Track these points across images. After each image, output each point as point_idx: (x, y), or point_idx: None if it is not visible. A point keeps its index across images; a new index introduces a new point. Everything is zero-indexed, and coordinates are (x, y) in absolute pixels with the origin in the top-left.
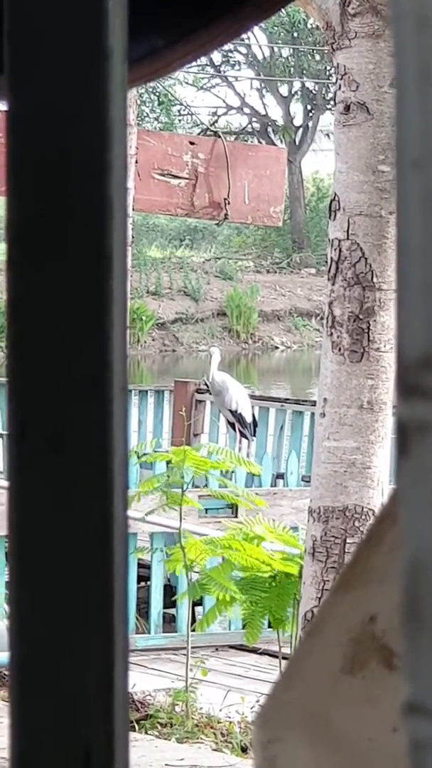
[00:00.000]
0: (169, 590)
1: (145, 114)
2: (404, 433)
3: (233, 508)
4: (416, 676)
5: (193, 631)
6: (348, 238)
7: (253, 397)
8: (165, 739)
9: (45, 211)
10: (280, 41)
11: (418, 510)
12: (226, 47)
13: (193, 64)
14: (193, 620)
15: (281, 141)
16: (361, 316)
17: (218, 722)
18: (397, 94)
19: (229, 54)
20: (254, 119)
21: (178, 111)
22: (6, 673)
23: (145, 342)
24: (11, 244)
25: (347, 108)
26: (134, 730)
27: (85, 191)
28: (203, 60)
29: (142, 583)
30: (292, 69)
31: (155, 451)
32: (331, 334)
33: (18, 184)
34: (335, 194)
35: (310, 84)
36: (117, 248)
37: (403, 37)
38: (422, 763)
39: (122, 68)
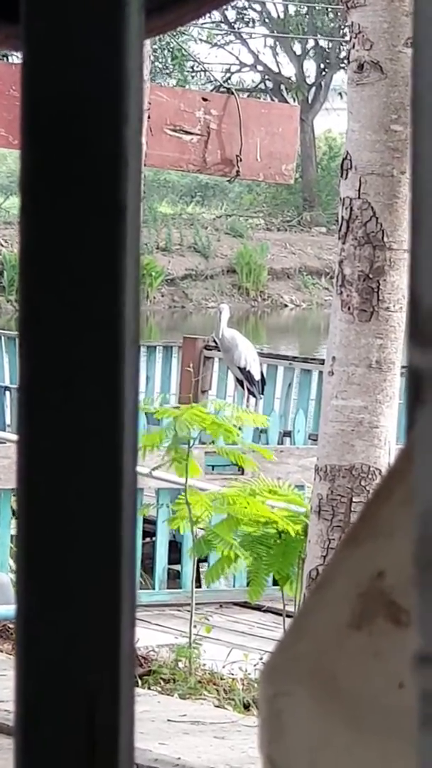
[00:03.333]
0: (175, 546)
1: (158, 69)
2: (420, 382)
3: (240, 466)
4: (428, 628)
5: (198, 587)
6: (359, 197)
7: (261, 354)
8: (168, 694)
9: (59, 161)
10: None
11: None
12: (240, 4)
13: (207, 20)
14: (198, 576)
15: (294, 99)
16: (371, 276)
17: (221, 679)
18: (415, 47)
19: (244, 11)
20: (267, 77)
21: (192, 67)
22: (11, 626)
23: (155, 298)
24: (25, 195)
25: (361, 67)
26: (137, 686)
27: (100, 142)
28: (217, 17)
29: (147, 539)
30: (306, 27)
31: (162, 407)
32: (341, 293)
33: (32, 135)
34: (347, 153)
35: (323, 42)
36: (131, 199)
37: None
38: None
39: (139, 17)
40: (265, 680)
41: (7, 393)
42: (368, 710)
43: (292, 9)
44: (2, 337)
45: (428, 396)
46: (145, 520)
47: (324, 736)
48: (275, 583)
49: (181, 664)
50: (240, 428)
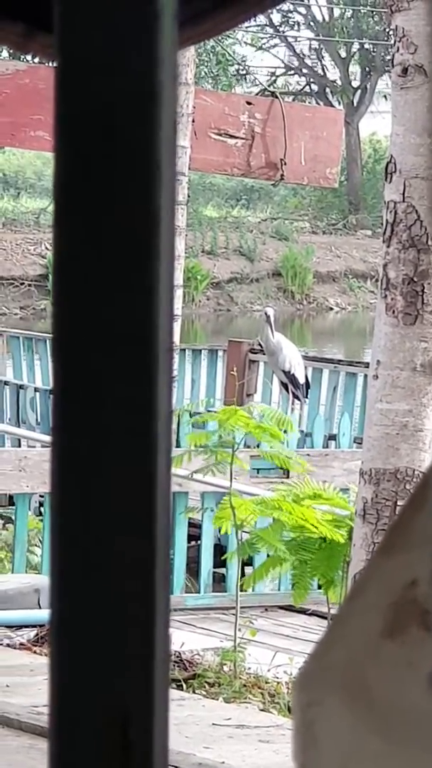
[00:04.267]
0: (220, 550)
1: (203, 73)
2: None
3: (285, 469)
4: None
5: (242, 590)
6: (404, 201)
7: (306, 358)
8: (212, 698)
9: (92, 171)
10: (339, 2)
11: None
12: (285, 7)
13: (252, 23)
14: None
15: (339, 102)
16: (415, 279)
17: (266, 682)
18: None
19: (289, 15)
20: (312, 80)
21: (237, 71)
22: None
23: (200, 301)
24: (58, 201)
25: (405, 70)
26: (182, 689)
27: (133, 150)
28: (262, 20)
29: (193, 543)
30: (350, 30)
31: (207, 411)
32: (386, 296)
33: (66, 144)
34: (392, 156)
35: (368, 45)
36: (165, 206)
37: None
38: None
39: (172, 27)
40: (298, 689)
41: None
42: (400, 721)
43: (336, 12)
44: (46, 341)
45: None
46: (191, 524)
47: (356, 746)
48: (320, 586)
49: (225, 668)
50: (285, 431)
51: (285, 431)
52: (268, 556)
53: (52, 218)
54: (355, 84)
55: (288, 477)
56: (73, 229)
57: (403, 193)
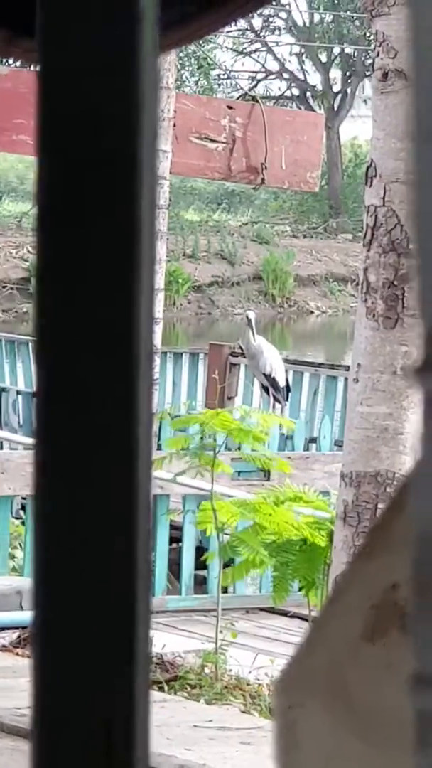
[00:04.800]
0: (201, 552)
1: (184, 78)
2: (425, 405)
3: (266, 472)
4: (425, 647)
5: (224, 592)
6: (384, 205)
7: (287, 361)
8: (194, 700)
9: (74, 174)
10: (320, 7)
11: (430, 481)
12: (266, 12)
13: (233, 28)
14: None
15: (320, 107)
16: (395, 283)
17: (247, 684)
18: (412, 63)
19: (270, 19)
20: (293, 85)
21: (218, 75)
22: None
23: (181, 305)
24: (40, 205)
25: (385, 75)
26: (163, 691)
27: (114, 154)
28: (243, 25)
29: (174, 545)
30: (331, 35)
31: (189, 413)
32: (366, 300)
33: (48, 148)
34: (372, 161)
35: (349, 50)
36: (146, 212)
37: (420, 4)
38: (428, 734)
39: (154, 31)
40: (279, 691)
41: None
42: (381, 723)
43: (317, 17)
44: (28, 344)
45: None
46: (172, 526)
47: (337, 748)
48: (301, 588)
49: (207, 670)
50: (266, 433)
51: (266, 433)
52: (246, 559)
53: (35, 222)
54: (336, 88)
55: (269, 479)
56: (55, 232)
57: (384, 198)
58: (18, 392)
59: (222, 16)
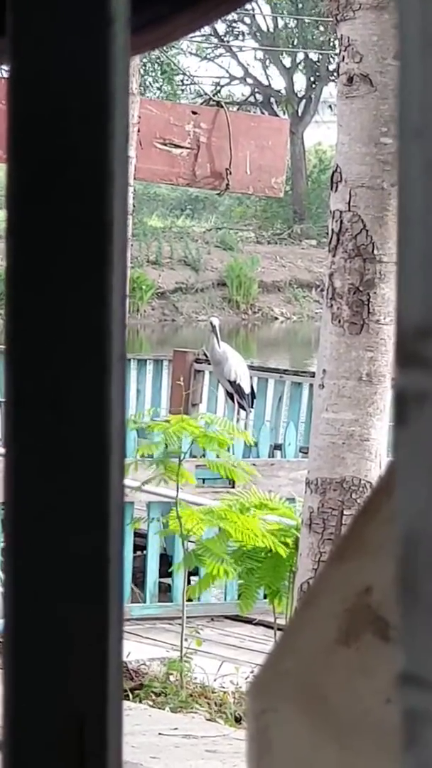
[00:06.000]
0: (166, 559)
1: (148, 83)
2: (402, 403)
3: (230, 479)
4: (411, 647)
5: (189, 600)
6: (349, 210)
7: (252, 367)
8: (159, 708)
9: (45, 177)
10: (284, 12)
11: (415, 480)
12: (230, 17)
13: (197, 33)
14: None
15: (284, 112)
16: (361, 288)
17: (212, 692)
18: (399, 65)
19: (233, 24)
20: (257, 90)
21: (182, 81)
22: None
23: (145, 311)
24: (11, 210)
25: (350, 79)
26: (128, 699)
27: (86, 158)
28: (207, 30)
29: (138, 552)
30: (295, 40)
31: (153, 420)
32: (331, 305)
33: (19, 150)
34: (337, 166)
35: (313, 55)
36: (117, 216)
37: (407, 7)
38: (415, 732)
39: (125, 35)
40: (252, 696)
41: None
42: (355, 726)
43: (281, 22)
44: None
45: (410, 417)
46: (136, 534)
47: (311, 752)
48: (266, 596)
49: (172, 678)
50: (231, 437)
51: (232, 438)
52: (210, 572)
53: (5, 229)
54: (300, 94)
55: (233, 487)
56: (25, 239)
57: (349, 203)
58: None
59: (195, 17)
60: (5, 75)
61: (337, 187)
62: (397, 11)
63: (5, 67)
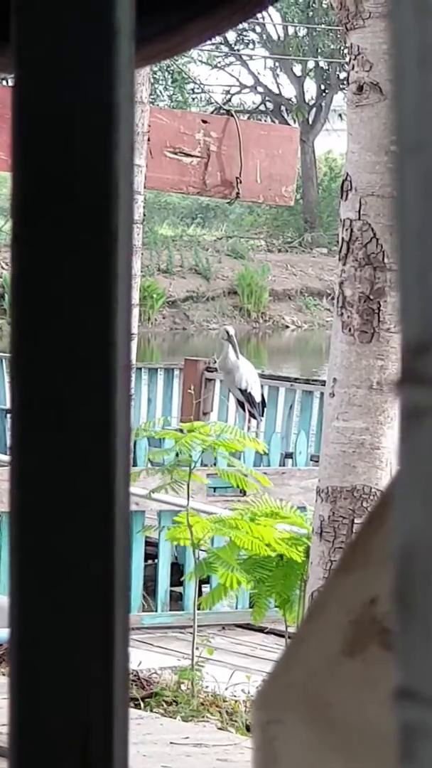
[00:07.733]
0: (177, 568)
1: (158, 92)
2: (402, 418)
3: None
4: (408, 661)
5: (200, 608)
6: (359, 219)
7: (262, 376)
8: (170, 717)
9: (50, 187)
10: (294, 21)
11: (412, 494)
12: (240, 26)
13: (208, 42)
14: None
15: (294, 120)
16: (371, 297)
17: (224, 701)
18: (394, 79)
19: (244, 33)
20: (267, 98)
21: (192, 89)
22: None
23: (156, 320)
24: (16, 220)
25: (360, 88)
26: (139, 708)
27: (90, 168)
28: (218, 39)
29: (150, 561)
30: (306, 48)
31: (164, 429)
32: (342, 314)
33: (23, 159)
34: (347, 174)
35: (323, 63)
36: (122, 226)
37: (402, 20)
38: (412, 747)
39: (129, 46)
40: (258, 707)
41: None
42: (361, 737)
43: (291, 30)
44: (3, 360)
45: (408, 432)
46: (148, 543)
47: (317, 763)
48: (278, 604)
49: (183, 687)
50: (242, 451)
51: (242, 452)
52: (222, 583)
53: (9, 237)
54: (311, 102)
55: (245, 495)
56: (30, 248)
57: (359, 211)
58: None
59: (206, 27)
60: (9, 83)
61: (347, 195)
62: (391, 26)
63: (9, 76)
